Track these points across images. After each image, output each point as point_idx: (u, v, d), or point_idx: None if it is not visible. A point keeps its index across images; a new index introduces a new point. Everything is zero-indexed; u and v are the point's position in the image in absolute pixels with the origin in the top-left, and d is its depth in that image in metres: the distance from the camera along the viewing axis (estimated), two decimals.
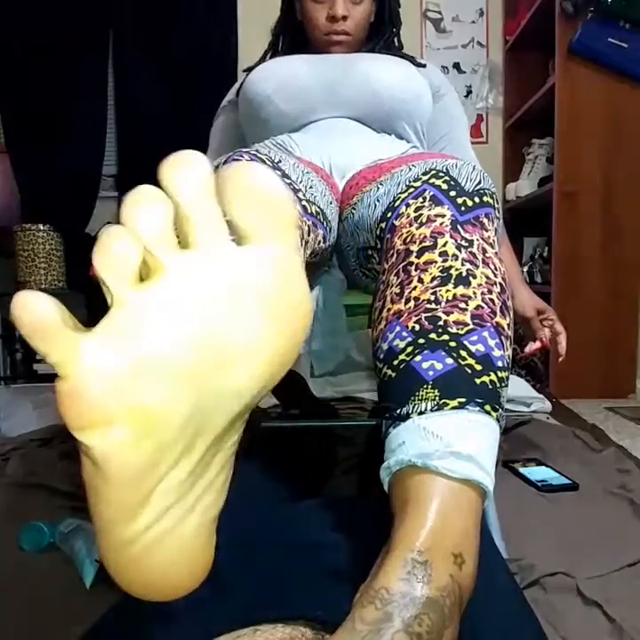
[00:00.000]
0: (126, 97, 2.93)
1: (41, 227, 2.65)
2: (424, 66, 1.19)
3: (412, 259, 0.57)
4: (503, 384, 0.53)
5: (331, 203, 0.77)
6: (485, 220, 0.59)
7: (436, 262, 0.55)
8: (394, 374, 0.53)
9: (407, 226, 0.60)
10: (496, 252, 0.59)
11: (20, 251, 2.64)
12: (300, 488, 0.91)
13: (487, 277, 0.55)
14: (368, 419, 1.58)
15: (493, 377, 0.51)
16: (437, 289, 0.54)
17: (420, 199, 0.60)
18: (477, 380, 0.50)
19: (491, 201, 0.61)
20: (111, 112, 2.96)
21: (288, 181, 0.63)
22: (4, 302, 2.82)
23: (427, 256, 0.56)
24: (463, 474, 0.46)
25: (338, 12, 1.09)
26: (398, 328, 0.54)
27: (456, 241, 0.56)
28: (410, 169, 0.67)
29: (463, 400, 0.49)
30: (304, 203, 0.63)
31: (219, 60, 2.82)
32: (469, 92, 2.89)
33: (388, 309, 0.56)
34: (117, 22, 2.88)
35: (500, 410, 0.52)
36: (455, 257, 0.55)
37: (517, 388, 1.97)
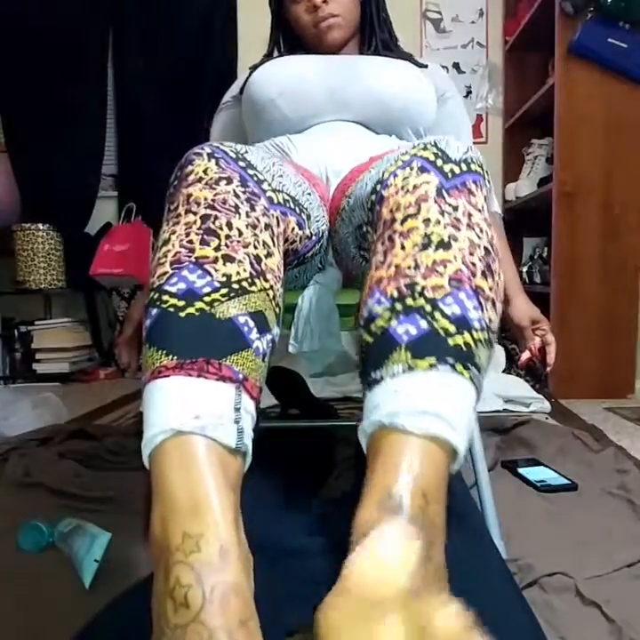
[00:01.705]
0: (126, 96, 2.93)
1: (40, 226, 2.65)
2: (425, 66, 1.18)
3: (396, 226, 0.57)
4: (480, 345, 0.53)
5: (309, 193, 0.76)
6: (473, 186, 0.60)
7: (417, 229, 0.56)
8: (371, 340, 0.54)
9: (394, 195, 0.60)
10: (484, 218, 0.59)
11: (19, 250, 2.65)
12: (298, 488, 0.91)
13: (471, 241, 0.56)
14: None
15: (468, 338, 0.52)
16: (417, 255, 0.55)
17: (408, 169, 0.61)
18: (451, 341, 0.51)
19: (479, 169, 0.61)
20: (111, 112, 2.96)
21: (252, 172, 0.62)
22: (3, 301, 2.82)
23: (409, 223, 0.57)
24: (429, 431, 0.48)
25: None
26: (378, 294, 0.55)
27: (440, 206, 0.57)
28: (399, 149, 0.68)
29: (433, 361, 0.50)
30: (270, 193, 0.63)
31: (218, 60, 2.82)
32: (469, 93, 2.89)
33: (371, 277, 0.57)
34: (117, 22, 2.88)
35: (475, 369, 0.52)
36: (437, 222, 0.56)
37: (517, 388, 1.97)
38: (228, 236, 0.56)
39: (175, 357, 0.50)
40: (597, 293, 2.16)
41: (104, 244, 2.67)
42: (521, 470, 1.24)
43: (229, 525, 0.45)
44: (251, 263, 0.56)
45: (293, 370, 1.63)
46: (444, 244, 0.54)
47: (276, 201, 0.64)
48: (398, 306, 0.53)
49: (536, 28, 2.42)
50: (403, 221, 0.57)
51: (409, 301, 0.52)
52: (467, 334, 0.52)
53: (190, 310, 0.52)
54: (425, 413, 0.48)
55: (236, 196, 0.59)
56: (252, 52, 1.30)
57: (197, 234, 0.56)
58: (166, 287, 0.53)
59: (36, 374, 2.68)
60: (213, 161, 0.61)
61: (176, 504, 0.45)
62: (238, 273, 0.54)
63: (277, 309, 0.58)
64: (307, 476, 1.00)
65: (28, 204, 2.88)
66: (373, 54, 1.16)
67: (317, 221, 0.78)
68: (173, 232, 0.58)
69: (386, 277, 0.55)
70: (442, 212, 0.56)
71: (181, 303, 0.52)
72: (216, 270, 0.54)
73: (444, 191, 0.58)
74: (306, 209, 0.72)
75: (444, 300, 0.52)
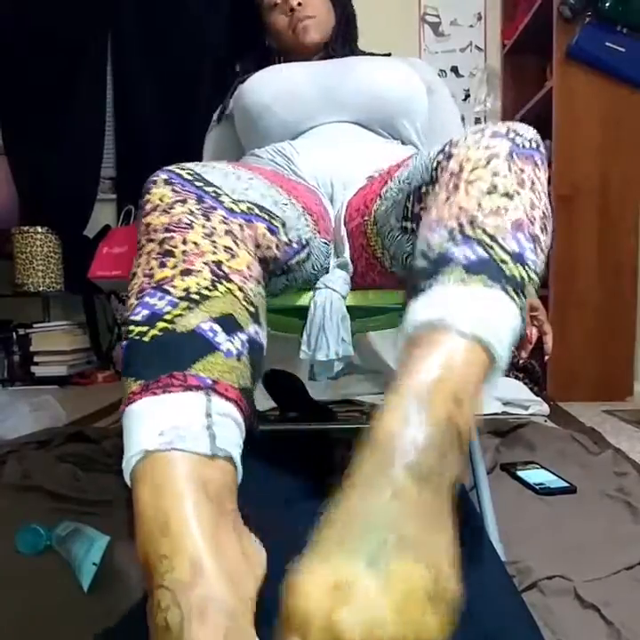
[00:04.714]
0: (125, 100, 2.93)
1: (39, 229, 2.65)
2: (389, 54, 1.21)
3: (463, 175, 0.58)
4: (531, 283, 0.54)
5: (285, 204, 0.75)
6: (539, 162, 0.61)
7: (484, 178, 0.57)
8: (427, 264, 0.54)
9: (464, 151, 0.61)
10: (545, 191, 0.60)
11: (18, 253, 2.64)
12: (297, 490, 0.91)
13: (531, 200, 0.57)
14: (366, 421, 1.58)
15: (522, 272, 0.52)
16: (482, 199, 0.55)
17: (479, 134, 0.61)
18: (506, 270, 0.52)
19: (544, 154, 0.63)
20: (110, 115, 2.97)
21: (210, 189, 0.62)
22: (2, 304, 2.82)
23: (478, 172, 0.57)
24: (475, 332, 0.47)
25: (292, 2, 1.14)
26: (438, 228, 0.55)
27: (508, 164, 0.58)
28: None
29: (487, 279, 0.50)
30: (229, 205, 0.62)
31: (217, 64, 2.82)
32: (467, 96, 2.90)
33: (432, 217, 0.58)
34: (116, 26, 2.89)
35: (524, 301, 0.53)
36: (505, 176, 0.57)
37: (515, 390, 1.97)
38: (184, 252, 0.56)
39: (141, 381, 0.50)
40: (596, 296, 2.16)
41: (102, 247, 2.65)
42: (520, 473, 1.24)
43: (202, 538, 0.44)
44: (211, 270, 0.55)
45: (292, 373, 1.63)
46: (508, 194, 0.55)
47: (237, 210, 0.63)
48: (457, 235, 0.53)
49: (534, 31, 2.42)
50: (471, 171, 0.58)
51: (468, 231, 0.53)
52: (522, 269, 0.52)
53: (153, 332, 0.52)
54: (474, 318, 0.48)
55: (191, 213, 0.59)
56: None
57: (156, 259, 0.56)
58: (131, 317, 0.54)
59: (34, 377, 2.67)
60: (168, 187, 0.61)
61: (150, 526, 0.45)
62: (197, 283, 0.54)
63: (252, 308, 0.57)
64: (306, 477, 1.00)
65: (26, 207, 2.88)
66: (353, 55, 1.19)
67: (298, 230, 0.76)
68: (138, 265, 0.58)
69: (447, 215, 0.56)
70: (509, 169, 0.57)
71: (145, 328, 0.53)
72: (174, 287, 0.54)
73: (514, 154, 0.59)
74: (278, 217, 0.71)
75: (503, 237, 0.53)
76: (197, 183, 0.62)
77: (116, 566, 0.85)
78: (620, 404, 2.12)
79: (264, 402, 1.70)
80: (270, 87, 1.10)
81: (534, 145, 0.61)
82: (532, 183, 0.58)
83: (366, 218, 0.84)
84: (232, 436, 0.50)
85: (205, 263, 0.56)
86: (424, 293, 0.52)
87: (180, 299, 0.53)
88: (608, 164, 2.13)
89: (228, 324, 0.54)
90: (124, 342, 0.54)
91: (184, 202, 0.59)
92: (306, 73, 1.11)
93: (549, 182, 2.20)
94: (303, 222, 0.79)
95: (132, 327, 0.54)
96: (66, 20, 2.82)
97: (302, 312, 0.89)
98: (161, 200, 0.60)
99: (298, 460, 1.04)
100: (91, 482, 1.22)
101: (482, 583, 0.60)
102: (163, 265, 0.56)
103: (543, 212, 0.58)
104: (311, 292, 0.88)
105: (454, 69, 2.89)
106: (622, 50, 2.07)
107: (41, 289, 2.67)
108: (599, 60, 2.09)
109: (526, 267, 0.53)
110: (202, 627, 0.40)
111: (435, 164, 0.66)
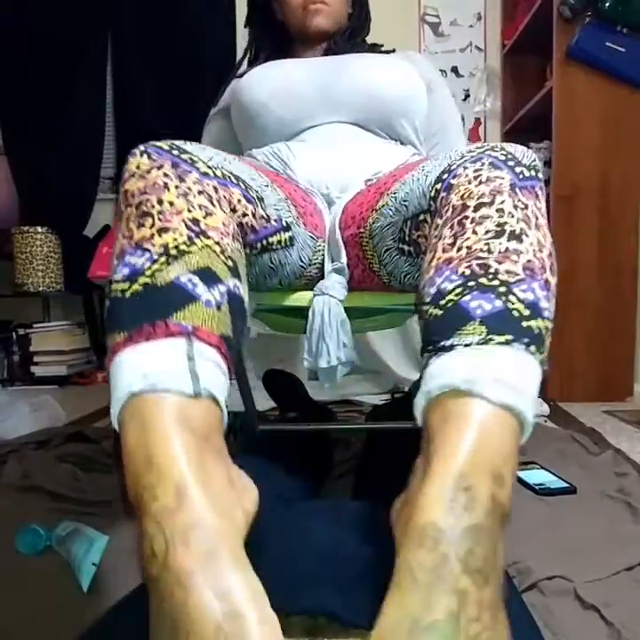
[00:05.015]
0: (125, 100, 2.93)
1: (39, 229, 2.65)
2: (394, 51, 1.20)
3: (468, 213, 0.57)
4: (548, 333, 0.53)
5: (266, 185, 0.76)
6: (539, 192, 0.60)
7: (491, 217, 0.56)
8: (440, 312, 0.53)
9: (465, 184, 0.60)
10: (546, 224, 0.60)
11: (17, 253, 2.64)
12: (297, 490, 0.91)
13: (538, 240, 0.56)
14: (366, 421, 1.58)
15: (540, 323, 0.52)
16: (491, 240, 0.55)
17: (479, 164, 0.61)
18: (524, 324, 0.51)
19: (542, 180, 0.63)
20: (110, 114, 2.97)
21: (186, 156, 0.63)
22: (1, 304, 2.82)
23: (483, 211, 0.57)
24: (506, 401, 0.46)
25: None
26: (448, 272, 0.55)
27: (513, 201, 0.57)
28: (462, 148, 0.69)
29: (510, 338, 0.50)
30: (204, 169, 0.63)
31: (217, 63, 2.82)
32: (467, 96, 2.90)
33: (439, 258, 0.57)
34: (116, 25, 2.89)
35: (545, 354, 0.52)
36: (511, 215, 0.56)
37: None
38: (160, 212, 0.57)
39: (124, 333, 0.51)
40: (596, 296, 2.16)
41: (102, 247, 2.66)
42: (520, 473, 1.24)
43: (188, 467, 0.44)
44: (187, 227, 0.56)
45: (291, 373, 1.63)
46: (516, 236, 0.55)
47: (211, 174, 0.64)
48: (471, 283, 0.52)
49: (534, 31, 2.42)
50: (476, 209, 0.57)
51: (483, 280, 0.52)
52: (540, 320, 0.52)
53: (134, 287, 0.54)
54: (503, 383, 0.47)
55: (166, 176, 0.60)
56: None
57: (134, 221, 0.57)
58: (114, 277, 0.56)
59: (33, 377, 2.67)
60: (145, 156, 0.62)
61: (135, 463, 0.45)
62: (175, 239, 0.55)
63: (230, 262, 0.58)
64: (306, 477, 1.00)
65: (26, 207, 2.88)
66: (356, 51, 1.18)
67: (278, 210, 0.77)
68: (119, 230, 0.59)
69: (456, 258, 0.55)
70: (514, 207, 0.57)
71: (126, 285, 0.54)
72: (153, 245, 0.55)
73: (517, 188, 0.58)
74: (255, 190, 0.72)
75: (518, 285, 0.52)
76: (174, 152, 0.63)
77: (116, 566, 0.85)
78: (621, 404, 2.12)
79: (264, 402, 1.70)
80: (267, 85, 1.09)
81: (533, 172, 0.61)
82: (537, 219, 0.58)
83: (362, 230, 0.84)
84: (215, 379, 0.51)
85: (182, 220, 0.57)
86: (445, 352, 0.51)
87: (159, 254, 0.54)
88: (608, 164, 2.13)
89: (207, 276, 0.55)
90: (107, 302, 0.56)
91: (160, 167, 0.60)
92: (303, 69, 1.10)
93: (549, 183, 2.19)
94: (285, 207, 0.80)
95: (114, 286, 0.55)
96: (66, 19, 2.82)
97: (303, 312, 0.89)
98: (137, 167, 0.61)
99: (297, 460, 1.04)
100: (91, 482, 1.22)
101: None
102: (140, 225, 0.57)
103: (550, 252, 0.57)
104: (310, 293, 0.88)
105: (454, 69, 2.89)
106: (622, 50, 2.07)
107: (41, 289, 2.67)
108: (599, 59, 2.09)
109: (544, 318, 0.52)
110: (186, 551, 0.40)
111: (433, 193, 0.65)
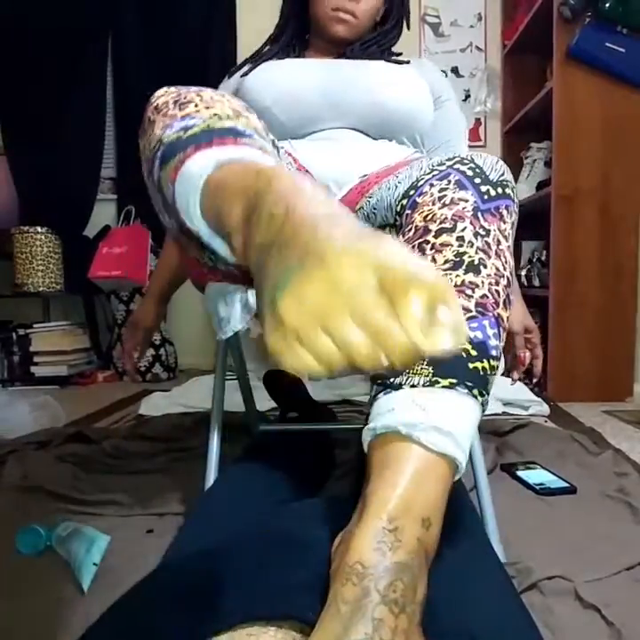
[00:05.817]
0: (125, 99, 2.93)
1: (39, 229, 2.65)
2: (408, 62, 1.18)
3: (430, 237, 0.58)
4: (493, 372, 0.56)
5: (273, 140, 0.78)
6: (505, 212, 0.60)
7: (451, 246, 0.56)
8: None
9: (429, 204, 0.60)
10: (509, 246, 0.60)
11: (18, 253, 2.64)
12: (297, 490, 0.91)
13: (497, 269, 0.57)
14: (366, 421, 1.58)
15: (486, 364, 0.54)
16: (448, 273, 0.55)
17: (445, 181, 0.61)
18: (471, 365, 0.53)
19: (511, 194, 0.62)
20: (110, 114, 2.97)
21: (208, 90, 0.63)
22: (1, 304, 2.82)
23: (444, 238, 0.57)
24: (441, 448, 0.50)
25: None
26: None
27: (474, 228, 0.57)
28: (430, 159, 0.68)
29: (454, 381, 0.52)
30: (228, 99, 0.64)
31: (218, 62, 2.82)
32: (468, 97, 2.90)
33: None
34: (117, 24, 2.89)
35: (487, 395, 0.55)
36: (471, 244, 0.56)
37: (515, 391, 1.97)
38: (201, 99, 0.58)
39: (190, 148, 0.52)
40: (596, 296, 2.16)
41: (103, 247, 2.66)
42: (520, 473, 1.24)
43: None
44: (231, 109, 0.57)
45: (291, 373, 1.62)
46: (474, 268, 0.55)
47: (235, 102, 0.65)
48: None
49: (534, 32, 2.42)
50: (437, 234, 0.58)
51: None
52: (485, 361, 0.54)
53: (193, 131, 0.54)
54: (441, 431, 0.50)
55: (197, 92, 0.60)
56: (251, 52, 1.29)
57: (174, 111, 0.57)
58: (167, 132, 0.55)
59: (34, 377, 2.67)
60: (172, 88, 0.63)
61: (246, 179, 0.45)
62: (222, 110, 0.56)
63: (268, 142, 0.59)
64: (307, 477, 1.00)
65: (26, 207, 2.88)
66: (368, 58, 1.16)
67: (281, 160, 0.78)
68: (153, 130, 0.58)
69: None
70: (475, 234, 0.57)
71: (185, 134, 0.54)
72: (200, 114, 0.56)
73: (479, 213, 0.58)
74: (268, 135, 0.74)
75: (469, 323, 0.53)
76: (194, 89, 0.64)
77: (116, 566, 0.85)
78: (620, 404, 2.12)
79: (264, 402, 1.70)
80: (272, 89, 1.08)
81: (500, 190, 0.61)
82: (498, 244, 0.58)
83: None
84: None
85: (224, 105, 0.58)
86: (393, 390, 0.54)
87: (210, 117, 0.55)
88: (608, 164, 2.13)
89: (257, 133, 0.56)
90: (160, 148, 0.55)
91: (188, 91, 0.61)
92: (311, 72, 1.09)
93: (549, 183, 2.18)
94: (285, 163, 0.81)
95: (170, 136, 0.55)
96: (66, 20, 2.82)
97: None
98: (165, 94, 0.61)
99: (298, 460, 1.04)
100: (91, 482, 1.22)
101: (481, 584, 0.60)
102: (184, 107, 0.57)
103: (508, 278, 0.58)
104: None
105: (454, 70, 2.89)
106: (622, 50, 2.07)
107: (41, 289, 2.67)
108: (599, 60, 2.09)
109: (490, 358, 0.54)
110: (285, 172, 0.42)
111: (399, 208, 0.66)
